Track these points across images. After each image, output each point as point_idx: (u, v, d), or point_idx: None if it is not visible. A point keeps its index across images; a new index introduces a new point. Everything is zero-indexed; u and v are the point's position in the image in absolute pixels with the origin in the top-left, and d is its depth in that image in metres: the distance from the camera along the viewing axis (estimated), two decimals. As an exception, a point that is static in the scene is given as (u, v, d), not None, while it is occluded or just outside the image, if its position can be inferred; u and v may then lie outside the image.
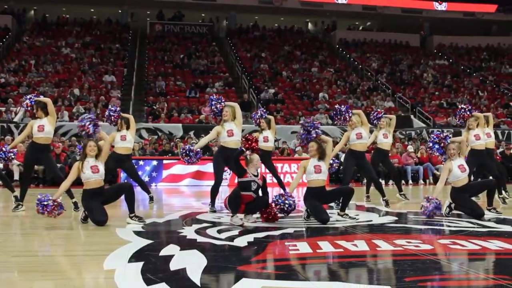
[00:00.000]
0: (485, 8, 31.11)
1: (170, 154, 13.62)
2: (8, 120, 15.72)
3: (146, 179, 12.36)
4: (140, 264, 3.61)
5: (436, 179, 13.41)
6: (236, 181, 6.07)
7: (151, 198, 8.23)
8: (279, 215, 5.97)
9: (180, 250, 4.14)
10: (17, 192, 7.23)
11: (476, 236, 4.83)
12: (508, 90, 24.54)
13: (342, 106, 7.58)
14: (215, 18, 30.21)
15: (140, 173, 11.36)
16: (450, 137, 6.57)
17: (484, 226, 5.49)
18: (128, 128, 8.07)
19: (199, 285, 3.10)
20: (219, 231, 5.14)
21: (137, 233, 4.99)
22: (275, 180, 8.81)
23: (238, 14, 29.64)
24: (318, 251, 4.16)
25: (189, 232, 5.13)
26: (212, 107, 7.02)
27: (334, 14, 30.29)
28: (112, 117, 8.04)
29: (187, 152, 6.86)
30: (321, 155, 6.03)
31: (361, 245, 4.35)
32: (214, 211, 6.87)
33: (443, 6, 30.80)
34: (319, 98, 20.93)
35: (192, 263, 3.62)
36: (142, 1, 27.92)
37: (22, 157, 9.23)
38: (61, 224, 6.09)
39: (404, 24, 30.94)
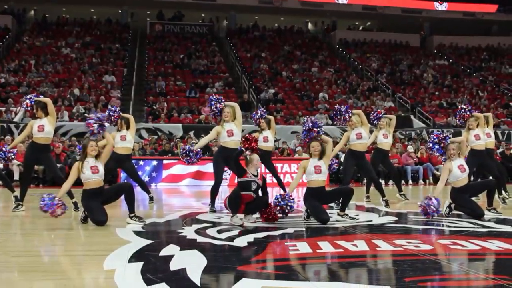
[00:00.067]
0: (485, 8, 31.11)
1: (170, 154, 13.62)
2: (8, 120, 15.72)
3: (146, 179, 12.36)
4: (140, 264, 3.61)
5: (436, 179, 13.41)
6: (236, 181, 6.07)
7: (151, 198, 8.23)
8: (279, 215, 5.97)
9: (180, 250, 4.14)
10: (17, 192, 7.23)
11: (476, 236, 4.83)
12: (508, 90, 24.54)
13: (342, 106, 7.59)
14: (215, 18, 30.21)
15: (140, 173, 11.36)
16: (450, 137, 6.57)
17: (484, 226, 5.49)
18: (128, 128, 8.08)
19: (199, 285, 3.10)
20: (219, 231, 5.14)
21: (137, 233, 4.99)
22: (275, 180, 8.81)
23: (238, 14, 29.64)
24: (318, 251, 4.16)
25: (189, 232, 5.13)
26: (212, 107, 7.02)
27: (334, 14, 30.30)
28: (112, 117, 8.03)
29: (187, 152, 6.86)
30: (321, 155, 6.04)
31: (361, 245, 4.35)
32: (214, 211, 6.87)
33: (443, 6, 30.80)
34: (319, 98, 20.93)
35: (192, 263, 3.62)
36: (142, 1, 27.92)
37: (22, 157, 9.23)
38: (61, 224, 6.09)
39: (404, 24, 30.95)
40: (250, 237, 4.77)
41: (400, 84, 24.18)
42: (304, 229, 5.51)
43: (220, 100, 7.08)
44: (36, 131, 6.92)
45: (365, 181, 10.31)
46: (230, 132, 6.83)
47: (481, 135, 7.98)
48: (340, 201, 6.23)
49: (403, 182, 12.81)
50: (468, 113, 8.12)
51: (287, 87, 22.24)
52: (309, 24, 32.45)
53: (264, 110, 9.26)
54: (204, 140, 7.42)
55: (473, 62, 28.66)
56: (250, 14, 29.87)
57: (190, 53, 24.58)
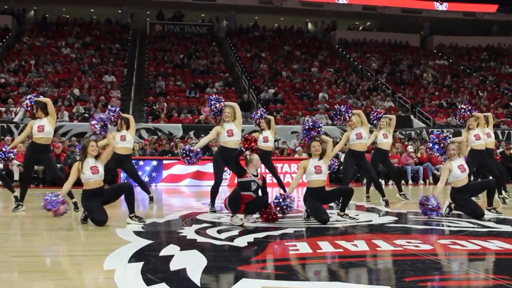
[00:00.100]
0: (486, 8, 31.10)
1: (170, 154, 13.62)
2: (8, 120, 15.72)
3: (146, 179, 12.36)
4: (140, 264, 3.61)
5: (436, 179, 13.41)
6: (236, 181, 6.07)
7: (151, 198, 8.23)
8: (279, 215, 5.97)
9: (180, 250, 4.14)
10: (17, 192, 7.23)
11: (476, 236, 4.83)
12: (508, 90, 24.55)
13: (342, 106, 7.59)
14: (215, 18, 30.21)
15: (140, 173, 11.36)
16: (450, 137, 6.58)
17: (484, 226, 5.49)
18: (128, 128, 8.08)
19: (199, 285, 3.10)
20: (219, 231, 5.14)
21: (137, 233, 4.99)
22: (275, 180, 8.81)
23: (238, 14, 29.65)
24: (318, 251, 4.16)
25: (189, 232, 5.13)
26: (212, 107, 7.02)
27: (334, 14, 30.30)
28: (112, 117, 8.04)
29: (187, 153, 6.86)
30: (321, 155, 6.04)
31: (361, 245, 4.35)
32: (214, 211, 6.87)
33: (444, 6, 30.80)
34: (319, 98, 20.93)
35: (192, 263, 3.62)
36: (142, 1, 27.92)
37: (22, 158, 9.23)
38: (61, 225, 6.09)
39: (404, 24, 30.95)
40: (250, 237, 4.77)
41: (400, 84, 24.18)
42: (304, 229, 5.51)
43: (219, 100, 7.08)
44: (36, 132, 6.92)
45: (365, 181, 10.31)
46: (230, 132, 6.84)
47: (481, 135, 7.98)
48: (340, 201, 6.23)
49: (403, 182, 12.81)
50: (468, 113, 8.12)
51: (287, 87, 22.24)
52: (309, 24, 32.46)
53: (264, 110, 9.26)
54: (204, 140, 7.42)
55: (473, 62, 28.66)
56: (250, 14, 29.87)
57: (190, 53, 24.59)
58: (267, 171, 8.71)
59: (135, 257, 3.88)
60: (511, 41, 31.17)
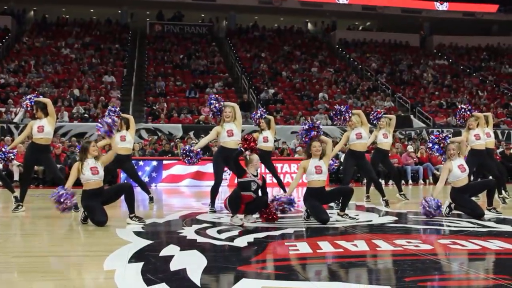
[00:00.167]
0: (486, 8, 31.11)
1: (170, 155, 13.62)
2: (8, 120, 15.72)
3: (146, 179, 12.35)
4: (140, 264, 3.61)
5: (436, 179, 13.41)
6: (236, 181, 6.07)
7: (151, 199, 8.22)
8: (279, 215, 5.97)
9: (180, 250, 4.14)
10: (17, 192, 7.23)
11: (476, 236, 4.83)
12: (508, 90, 24.55)
13: (342, 106, 7.59)
14: (214, 18, 30.21)
15: (140, 173, 11.36)
16: (449, 137, 6.57)
17: (484, 226, 5.49)
18: (128, 128, 8.08)
19: (199, 285, 3.10)
20: (219, 232, 5.14)
21: (137, 234, 4.99)
22: (275, 180, 8.81)
23: (237, 14, 29.65)
24: (318, 251, 4.15)
25: (189, 232, 5.13)
26: (212, 107, 7.02)
27: (333, 14, 30.30)
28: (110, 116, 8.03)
29: (187, 153, 6.87)
30: (321, 156, 6.04)
31: (361, 245, 4.34)
32: (214, 212, 6.87)
33: (444, 6, 30.80)
34: (319, 98, 20.94)
35: (192, 264, 3.62)
36: (141, 1, 27.93)
37: (22, 158, 9.23)
38: (61, 225, 6.09)
39: (404, 24, 30.95)
40: (250, 237, 4.77)
41: (400, 84, 24.19)
42: (304, 229, 5.51)
43: (219, 100, 7.09)
44: (36, 132, 6.91)
45: (365, 181, 10.31)
46: (230, 132, 6.83)
47: (481, 134, 7.98)
48: (340, 201, 6.23)
49: (403, 182, 12.81)
50: (468, 113, 8.13)
51: (287, 87, 22.24)
52: (309, 24, 32.46)
53: (264, 110, 9.26)
54: (204, 141, 7.42)
55: (473, 62, 28.67)
56: (250, 14, 29.87)
57: (190, 53, 24.59)
58: (267, 171, 8.71)
59: (135, 257, 3.88)
60: (511, 41, 31.18)
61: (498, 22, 31.98)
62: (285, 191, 7.68)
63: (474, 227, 5.42)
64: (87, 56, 22.93)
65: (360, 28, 32.96)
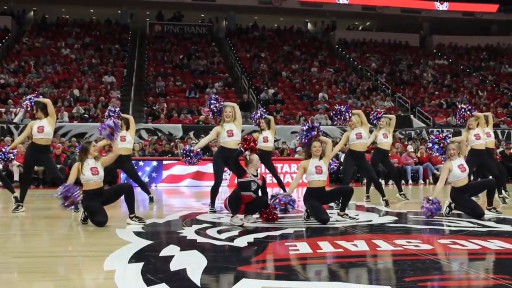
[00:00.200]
0: (486, 8, 31.11)
1: (170, 155, 13.62)
2: (7, 121, 15.72)
3: (146, 179, 12.35)
4: (140, 264, 3.61)
5: (436, 179, 13.41)
6: (236, 181, 6.07)
7: (151, 199, 8.22)
8: (279, 215, 5.97)
9: (180, 250, 4.14)
10: (17, 193, 7.23)
11: (476, 236, 4.83)
12: (507, 90, 24.55)
13: (342, 106, 7.59)
14: (214, 18, 30.21)
15: (140, 173, 11.35)
16: (449, 137, 6.57)
17: (484, 226, 5.49)
18: (128, 128, 8.07)
19: (199, 285, 3.10)
20: (219, 232, 5.14)
21: (137, 234, 4.99)
22: (275, 180, 8.81)
23: (237, 15, 29.65)
24: (318, 251, 4.15)
25: (189, 232, 5.13)
26: (212, 106, 7.02)
27: (333, 14, 30.31)
28: (112, 118, 8.04)
29: (187, 153, 6.86)
30: (321, 156, 6.04)
31: (361, 245, 4.34)
32: (214, 212, 6.87)
33: (444, 6, 30.81)
34: (318, 98, 20.94)
35: (192, 264, 3.61)
36: (141, 1, 27.92)
37: (22, 158, 9.23)
38: (61, 225, 6.09)
39: (404, 24, 30.96)
40: (250, 237, 4.77)
41: (399, 84, 24.19)
42: (304, 229, 5.51)
43: (219, 100, 7.09)
44: (36, 132, 6.91)
45: (365, 181, 10.30)
46: (230, 132, 6.83)
47: (481, 134, 7.98)
48: (340, 201, 6.23)
49: (403, 182, 12.81)
50: (468, 112, 8.12)
51: (287, 87, 22.24)
52: (309, 24, 32.46)
53: (264, 110, 9.26)
54: (204, 141, 7.42)
55: (472, 61, 28.67)
56: (250, 14, 29.87)
57: (189, 53, 24.59)
58: (267, 171, 8.71)
59: (135, 258, 3.88)
60: (511, 41, 31.18)
61: (497, 22, 31.99)
62: (285, 191, 7.67)
63: (474, 227, 5.42)
64: (87, 56, 22.93)
65: (360, 28, 32.96)
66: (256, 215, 5.95)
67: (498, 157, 13.27)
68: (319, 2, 29.34)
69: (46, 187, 12.19)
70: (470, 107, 8.33)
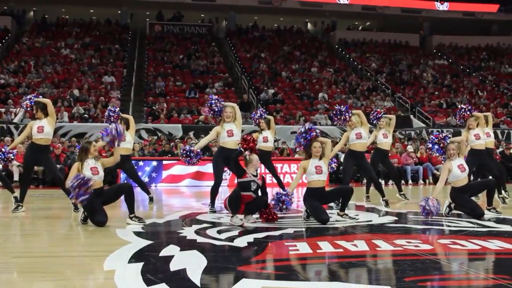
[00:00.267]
0: (487, 8, 31.12)
1: (170, 155, 13.62)
2: (7, 121, 15.72)
3: (146, 179, 12.35)
4: (140, 264, 3.61)
5: (435, 179, 13.41)
6: (235, 181, 6.07)
7: (151, 199, 8.22)
8: (279, 215, 5.97)
9: (180, 250, 4.14)
10: (17, 193, 7.23)
11: (476, 236, 4.83)
12: (507, 90, 24.56)
13: (342, 106, 7.59)
14: (214, 18, 30.21)
15: (140, 173, 11.35)
16: (449, 137, 6.57)
17: (484, 226, 5.49)
18: (127, 128, 8.06)
19: (199, 285, 3.10)
20: (219, 232, 5.14)
21: (137, 234, 4.99)
22: (274, 181, 8.80)
23: (237, 15, 29.65)
24: (318, 251, 4.15)
25: (189, 232, 5.13)
26: (212, 106, 7.02)
27: (333, 14, 30.31)
28: (112, 118, 8.05)
29: (188, 153, 6.86)
30: (321, 156, 6.04)
31: (361, 245, 4.34)
32: (214, 212, 6.87)
33: (445, 6, 30.81)
34: (318, 98, 20.94)
35: (192, 264, 3.61)
36: (141, 1, 27.93)
37: (22, 158, 9.23)
38: (61, 225, 6.09)
39: (404, 24, 30.97)
40: (250, 238, 4.77)
41: (399, 84, 24.19)
42: (304, 229, 5.51)
43: (219, 101, 7.09)
44: (35, 132, 6.91)
45: (365, 181, 10.30)
46: (230, 132, 6.83)
47: (481, 134, 7.98)
48: (340, 201, 6.23)
49: (403, 182, 12.81)
50: (468, 112, 8.12)
51: (287, 87, 22.24)
52: (309, 24, 32.47)
53: (264, 110, 9.26)
54: (204, 141, 7.42)
55: (472, 61, 28.68)
56: (250, 15, 29.88)
57: (189, 53, 24.59)
58: (267, 171, 8.71)
59: (135, 258, 3.88)
60: (511, 41, 31.19)
61: (497, 22, 32.00)
62: (284, 191, 7.66)
63: (474, 227, 5.42)
64: (87, 56, 22.93)
65: (360, 28, 32.97)
66: (256, 215, 5.95)
67: (498, 157, 13.28)
68: (319, 2, 29.34)
69: (46, 187, 12.19)
70: (470, 107, 8.33)
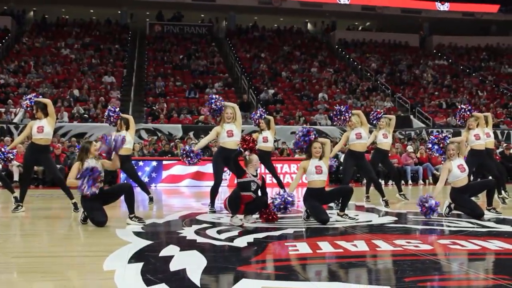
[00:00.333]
0: (487, 8, 31.12)
1: (169, 155, 13.62)
2: (7, 121, 15.72)
3: (146, 179, 12.35)
4: (140, 264, 3.61)
5: (435, 179, 13.41)
6: (235, 181, 6.07)
7: (151, 199, 8.22)
8: (279, 215, 5.97)
9: (180, 250, 4.14)
10: (17, 193, 7.23)
11: (476, 236, 4.83)
12: (507, 90, 24.56)
13: (342, 107, 7.59)
14: (214, 18, 30.22)
15: (139, 173, 11.35)
16: (449, 138, 6.57)
17: (483, 226, 5.49)
18: (127, 129, 8.07)
19: (199, 285, 3.10)
20: (218, 232, 5.14)
21: (137, 234, 4.99)
22: (274, 181, 8.81)
23: (237, 15, 29.66)
24: (318, 251, 4.16)
25: (188, 232, 5.13)
26: (212, 105, 7.02)
27: (333, 14, 30.33)
28: (112, 118, 8.05)
29: (187, 153, 6.87)
30: (321, 156, 6.04)
31: (360, 246, 4.35)
32: (214, 212, 6.87)
33: (445, 6, 30.82)
34: (318, 98, 20.94)
35: (192, 264, 3.61)
36: (141, 2, 27.93)
37: (22, 158, 9.22)
38: (61, 225, 6.09)
39: (404, 24, 30.98)
40: (250, 238, 4.77)
41: (399, 84, 24.20)
42: (304, 229, 5.51)
43: (219, 100, 7.09)
44: (35, 132, 6.91)
45: (364, 181, 10.30)
46: (230, 132, 6.84)
47: (481, 135, 7.98)
48: (340, 201, 6.23)
49: (402, 182, 12.81)
50: (468, 113, 8.13)
51: (287, 88, 22.24)
52: (309, 25, 32.48)
53: (264, 111, 9.26)
54: (204, 141, 7.43)
55: (472, 62, 28.69)
56: (250, 15, 29.88)
57: (189, 53, 24.59)
58: (266, 171, 8.71)
59: (135, 258, 3.88)
60: (510, 41, 31.21)
61: (497, 22, 32.01)
62: (284, 191, 7.66)
63: (473, 227, 5.42)
64: (87, 56, 22.93)
65: (360, 28, 32.98)
66: (256, 215, 5.95)
67: (497, 157, 13.28)
68: (319, 2, 29.35)
69: (46, 187, 12.19)
70: (470, 108, 8.33)
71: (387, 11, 30.21)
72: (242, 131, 7.27)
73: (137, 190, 7.73)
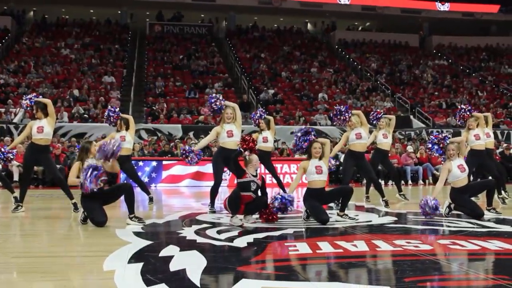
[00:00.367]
0: (487, 8, 31.14)
1: (169, 155, 13.62)
2: (7, 121, 15.72)
3: (146, 180, 12.35)
4: (140, 265, 3.61)
5: (435, 179, 13.40)
6: (235, 181, 6.07)
7: (151, 199, 8.22)
8: (279, 215, 5.97)
9: (180, 250, 4.14)
10: (17, 193, 7.23)
11: (476, 236, 4.83)
12: (507, 90, 24.57)
13: (342, 107, 7.59)
14: (214, 18, 30.23)
15: (139, 174, 11.35)
16: (449, 138, 6.57)
17: (483, 226, 5.49)
18: (127, 129, 8.07)
19: (199, 285, 3.10)
20: (218, 232, 5.14)
21: (137, 234, 4.99)
22: (274, 181, 8.81)
23: (237, 15, 29.66)
24: (317, 251, 4.15)
25: (188, 232, 5.12)
26: (212, 105, 7.02)
27: (333, 14, 30.34)
28: (112, 118, 8.05)
29: (187, 153, 6.87)
30: (321, 156, 6.04)
31: (360, 246, 4.34)
32: (214, 212, 6.87)
33: (445, 7, 30.83)
34: (318, 98, 20.94)
35: (191, 264, 3.61)
36: (141, 2, 27.94)
37: (22, 158, 9.22)
38: (61, 225, 6.09)
39: (404, 24, 30.99)
40: (250, 238, 4.76)
41: (399, 84, 24.20)
42: (303, 229, 5.51)
43: (220, 99, 7.09)
44: (35, 132, 6.91)
45: (364, 181, 10.30)
46: (230, 132, 6.84)
47: (481, 135, 7.98)
48: (340, 201, 6.23)
49: (402, 182, 12.81)
50: (467, 113, 8.13)
51: (287, 88, 22.25)
52: (309, 25, 32.48)
53: (264, 111, 9.25)
54: (204, 141, 7.43)
55: (472, 62, 28.69)
56: (250, 15, 29.89)
57: (189, 53, 24.60)
58: (266, 171, 8.71)
59: (134, 258, 3.88)
60: (510, 41, 31.23)
61: (497, 22, 32.01)
62: (284, 191, 7.67)
63: (473, 227, 5.42)
64: (87, 56, 22.93)
65: (360, 28, 32.99)
66: (256, 216, 5.95)
67: (497, 157, 13.28)
68: (319, 2, 29.36)
69: (46, 187, 12.19)
70: (469, 108, 8.33)
71: (387, 11, 30.22)
72: (242, 131, 7.27)
73: (137, 190, 7.73)
